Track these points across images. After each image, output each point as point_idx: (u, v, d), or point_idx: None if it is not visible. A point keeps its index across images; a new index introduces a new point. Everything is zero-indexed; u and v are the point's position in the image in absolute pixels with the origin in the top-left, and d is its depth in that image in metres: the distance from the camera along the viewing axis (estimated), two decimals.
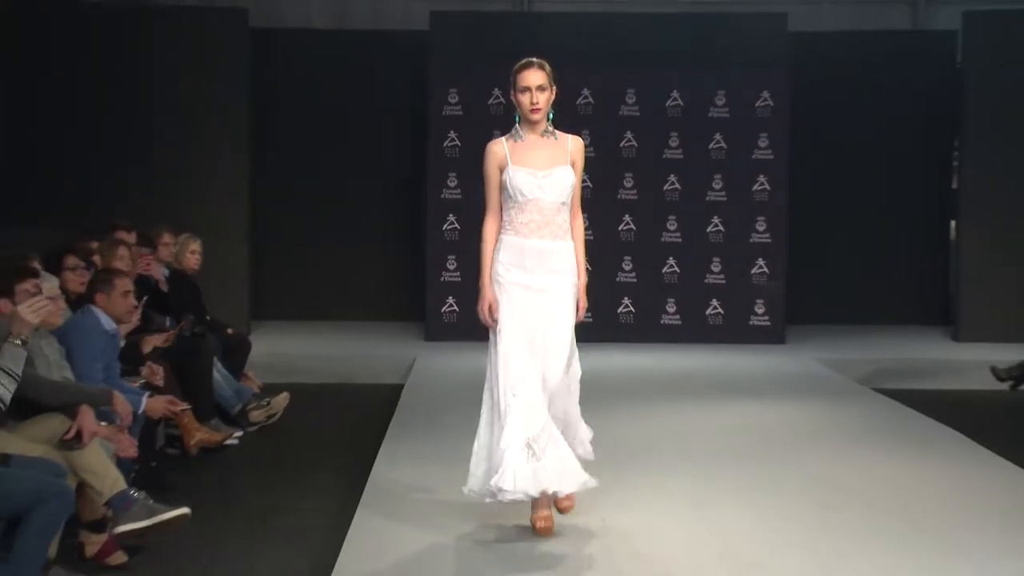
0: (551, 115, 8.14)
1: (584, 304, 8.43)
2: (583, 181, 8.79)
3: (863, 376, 15.87)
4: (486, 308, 8.18)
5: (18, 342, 7.47)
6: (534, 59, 8.07)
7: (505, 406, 7.93)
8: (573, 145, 8.22)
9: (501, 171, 8.09)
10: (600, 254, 18.54)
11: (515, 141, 8.15)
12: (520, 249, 8.10)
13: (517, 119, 8.15)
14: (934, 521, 9.35)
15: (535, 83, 7.90)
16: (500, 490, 7.77)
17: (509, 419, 7.85)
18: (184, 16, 19.06)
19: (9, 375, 7.49)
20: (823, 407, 14.11)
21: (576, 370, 8.65)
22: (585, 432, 8.78)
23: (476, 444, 8.34)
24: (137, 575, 8.26)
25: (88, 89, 17.63)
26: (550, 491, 7.96)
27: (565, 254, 8.23)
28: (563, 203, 8.18)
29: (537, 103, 7.93)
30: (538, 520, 8.16)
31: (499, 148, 8.17)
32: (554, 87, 8.01)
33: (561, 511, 8.36)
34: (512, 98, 8.12)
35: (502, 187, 8.12)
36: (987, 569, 8.25)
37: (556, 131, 8.21)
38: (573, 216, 8.39)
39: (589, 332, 17.63)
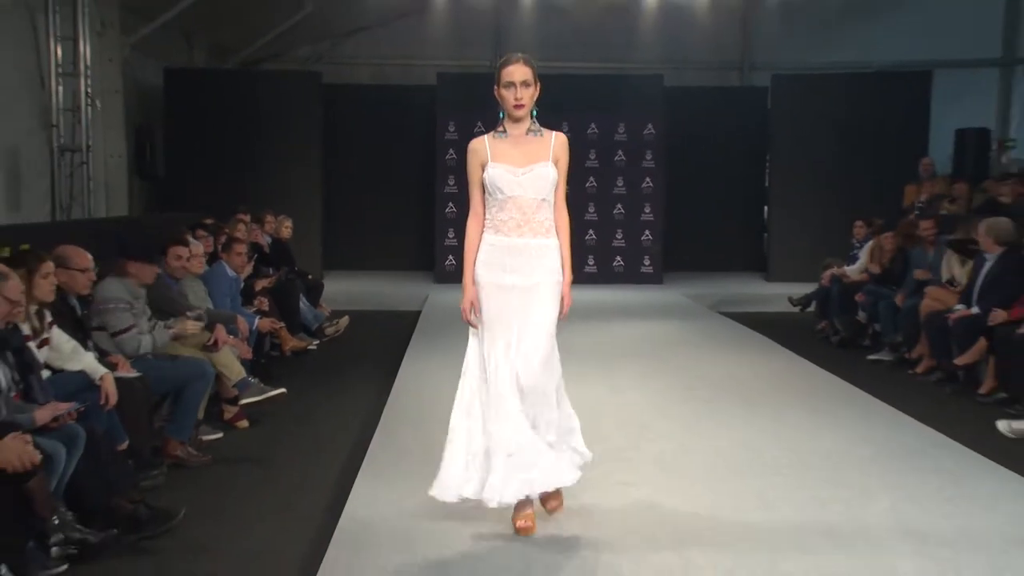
0: (535, 112, 5.94)
1: (568, 301, 6.03)
2: None
3: (711, 304, 16.01)
4: (467, 307, 5.94)
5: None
6: (519, 54, 5.93)
7: (484, 412, 5.77)
8: (556, 142, 5.97)
9: (483, 169, 5.90)
10: None
11: (496, 138, 5.96)
12: (501, 247, 5.87)
13: (501, 115, 5.97)
14: (753, 393, 9.60)
15: (519, 79, 5.78)
16: (484, 501, 5.62)
17: (490, 427, 5.70)
18: (280, 76, 19.08)
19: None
20: (686, 323, 14.21)
21: (556, 371, 6.05)
22: (578, 442, 6.13)
23: (449, 449, 5.84)
24: (253, 431, 8.41)
25: (219, 123, 17.65)
26: (533, 495, 5.76)
27: (547, 251, 5.93)
28: (543, 200, 5.91)
29: (521, 99, 5.81)
30: (518, 519, 5.76)
31: (480, 146, 5.96)
32: (538, 83, 5.90)
33: (548, 511, 5.98)
34: (495, 94, 5.92)
35: (483, 185, 5.92)
36: (784, 417, 8.54)
37: (541, 128, 5.98)
38: (558, 212, 6.09)
39: None
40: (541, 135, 5.93)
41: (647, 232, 18.92)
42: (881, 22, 18.88)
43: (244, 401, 8.38)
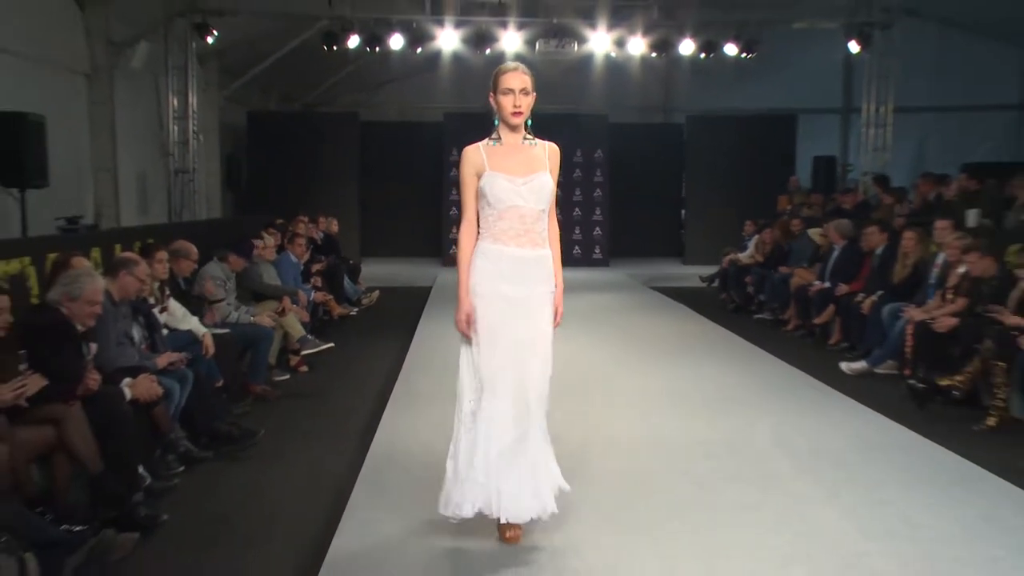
0: (529, 122, 4.41)
1: (560, 311, 4.52)
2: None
3: (644, 281, 15.88)
4: (463, 319, 4.30)
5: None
6: (517, 62, 4.49)
7: (474, 422, 4.27)
8: (551, 151, 4.45)
9: (478, 177, 4.35)
10: None
11: (492, 146, 4.41)
12: (498, 256, 4.30)
13: (496, 122, 4.43)
14: (671, 347, 9.65)
15: (519, 86, 4.29)
16: (459, 516, 4.17)
17: (477, 438, 4.22)
18: (329, 116, 19.06)
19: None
20: (625, 296, 14.22)
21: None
22: (553, 469, 4.40)
23: (450, 464, 4.34)
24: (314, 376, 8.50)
25: (286, 150, 17.67)
26: (503, 519, 4.20)
27: (544, 263, 4.40)
28: (542, 210, 4.36)
29: (519, 106, 4.30)
30: (506, 530, 4.31)
31: (475, 154, 4.39)
32: (534, 93, 4.37)
33: (505, 540, 4.31)
34: (491, 101, 4.41)
35: (480, 194, 4.34)
36: (694, 362, 8.59)
37: (535, 138, 4.46)
38: (551, 222, 4.50)
39: None
40: (535, 144, 4.44)
41: (597, 228, 18.95)
42: (760, 80, 18.94)
43: (304, 352, 8.44)
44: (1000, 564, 4.16)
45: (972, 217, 10.31)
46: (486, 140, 4.42)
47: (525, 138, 4.42)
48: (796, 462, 5.65)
